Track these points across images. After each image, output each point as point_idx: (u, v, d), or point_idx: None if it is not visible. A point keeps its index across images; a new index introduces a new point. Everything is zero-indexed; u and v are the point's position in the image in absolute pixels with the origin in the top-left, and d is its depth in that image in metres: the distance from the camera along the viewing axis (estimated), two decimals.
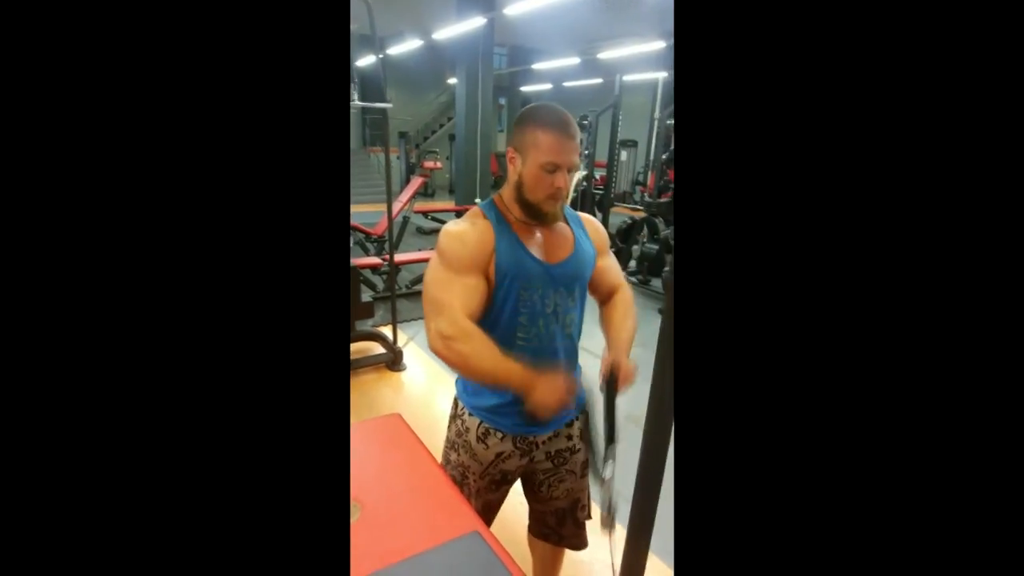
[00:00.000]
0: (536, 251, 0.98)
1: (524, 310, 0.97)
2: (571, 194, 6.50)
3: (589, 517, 1.24)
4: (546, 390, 0.88)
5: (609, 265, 1.11)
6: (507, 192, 0.99)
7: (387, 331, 2.95)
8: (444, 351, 0.89)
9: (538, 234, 0.99)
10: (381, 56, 2.61)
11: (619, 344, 1.04)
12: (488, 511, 1.15)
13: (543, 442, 1.10)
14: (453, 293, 0.91)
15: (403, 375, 2.86)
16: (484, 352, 0.88)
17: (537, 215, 0.95)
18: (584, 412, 1.14)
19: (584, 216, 1.10)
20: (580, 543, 1.25)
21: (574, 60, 9.38)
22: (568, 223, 1.05)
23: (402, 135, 10.85)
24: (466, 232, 0.95)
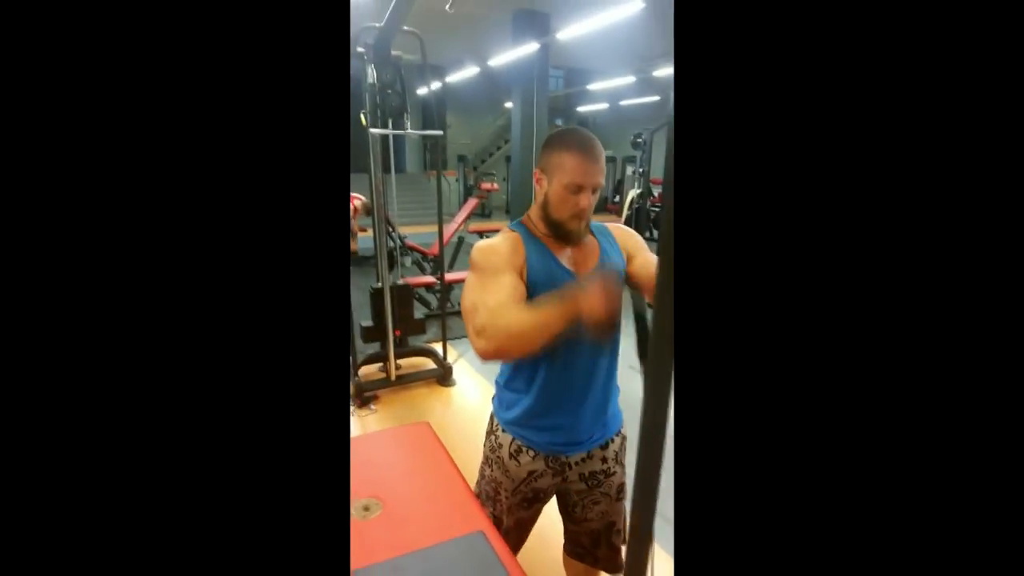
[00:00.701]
0: (565, 261, 1.00)
1: None
2: (625, 212, 6.39)
3: (625, 541, 1.20)
4: (591, 301, 0.78)
5: (647, 260, 1.05)
6: (534, 211, 1.03)
7: (438, 347, 3.05)
8: (487, 345, 0.84)
9: (566, 248, 1.02)
10: (440, 84, 2.75)
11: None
12: (521, 529, 1.16)
13: (576, 463, 1.09)
14: (488, 293, 0.90)
15: (453, 390, 2.93)
16: (519, 316, 0.84)
17: (562, 234, 0.98)
18: (621, 434, 1.13)
19: (611, 225, 1.10)
20: (615, 567, 1.22)
21: (629, 79, 9.37)
22: (594, 235, 1.06)
23: (461, 158, 11.20)
24: (497, 243, 0.98)
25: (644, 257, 1.07)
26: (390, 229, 3.24)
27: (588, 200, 0.94)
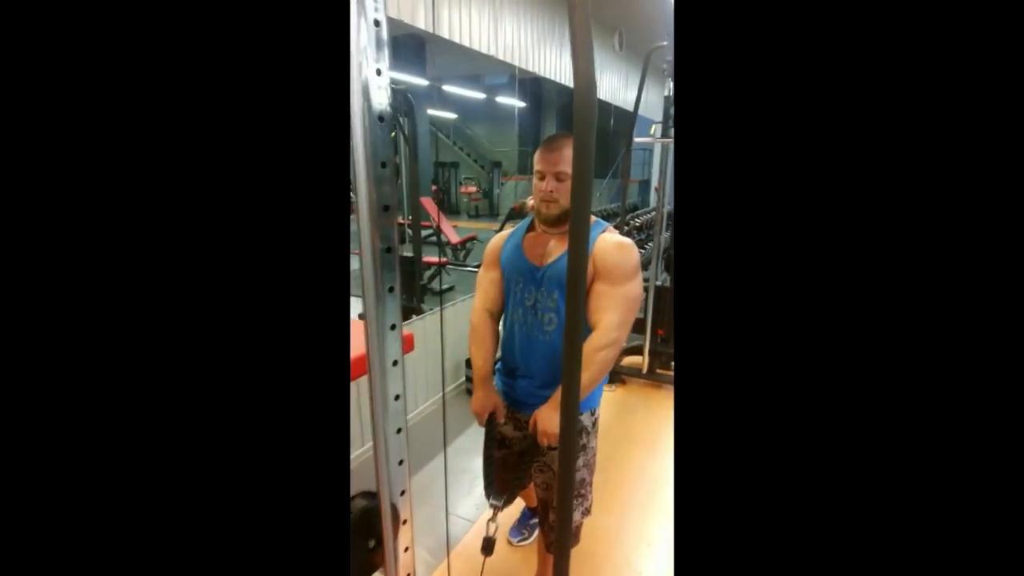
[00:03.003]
0: (529, 253, 1.16)
1: (511, 299, 1.19)
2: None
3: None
4: (475, 398, 1.19)
5: (600, 293, 1.07)
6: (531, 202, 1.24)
7: None
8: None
9: (544, 240, 1.15)
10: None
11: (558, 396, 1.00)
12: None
13: (529, 422, 1.16)
14: (480, 287, 1.25)
15: None
16: (474, 342, 1.22)
17: (541, 218, 1.14)
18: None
19: (606, 238, 1.11)
20: (548, 544, 1.34)
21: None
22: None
23: (496, 165, 11.29)
24: (493, 239, 1.28)
25: (599, 288, 1.08)
26: None
27: (551, 185, 1.08)
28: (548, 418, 1.06)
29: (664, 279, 2.86)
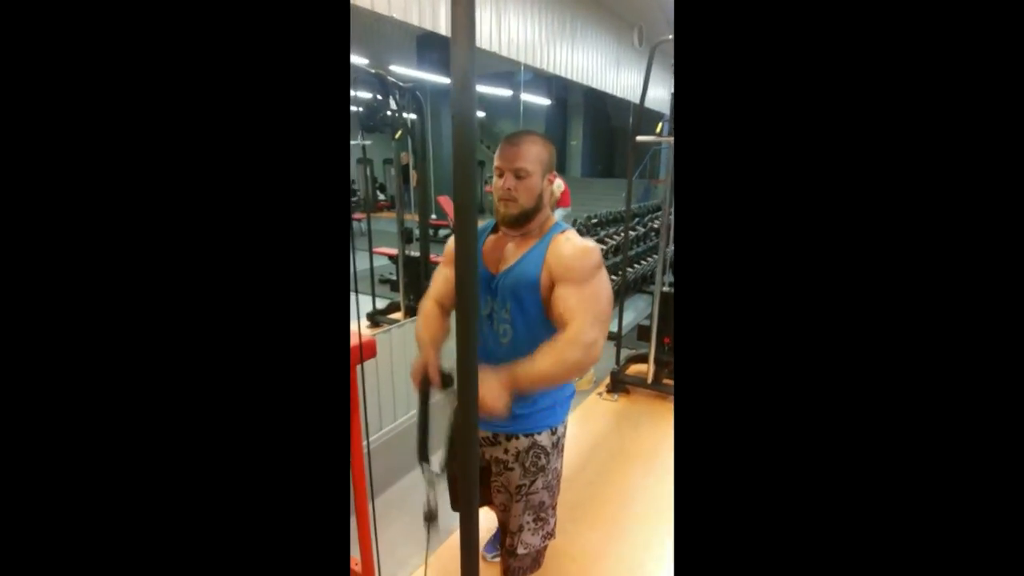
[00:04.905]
0: (487, 258, 1.10)
1: None
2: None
3: (513, 552, 1.19)
4: (415, 362, 1.08)
5: (563, 295, 0.99)
6: None
7: None
8: None
9: (502, 244, 1.09)
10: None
11: (510, 369, 0.93)
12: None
13: (486, 439, 1.15)
14: (434, 279, 1.19)
15: None
16: (422, 326, 1.14)
17: (500, 218, 1.06)
18: (531, 438, 1.11)
19: (562, 239, 1.03)
20: (505, 569, 1.26)
21: None
22: (542, 239, 1.05)
23: (481, 163, 11.33)
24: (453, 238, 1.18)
25: (565, 291, 0.99)
26: None
27: (509, 182, 1.01)
28: (488, 390, 0.89)
29: (670, 284, 2.74)
